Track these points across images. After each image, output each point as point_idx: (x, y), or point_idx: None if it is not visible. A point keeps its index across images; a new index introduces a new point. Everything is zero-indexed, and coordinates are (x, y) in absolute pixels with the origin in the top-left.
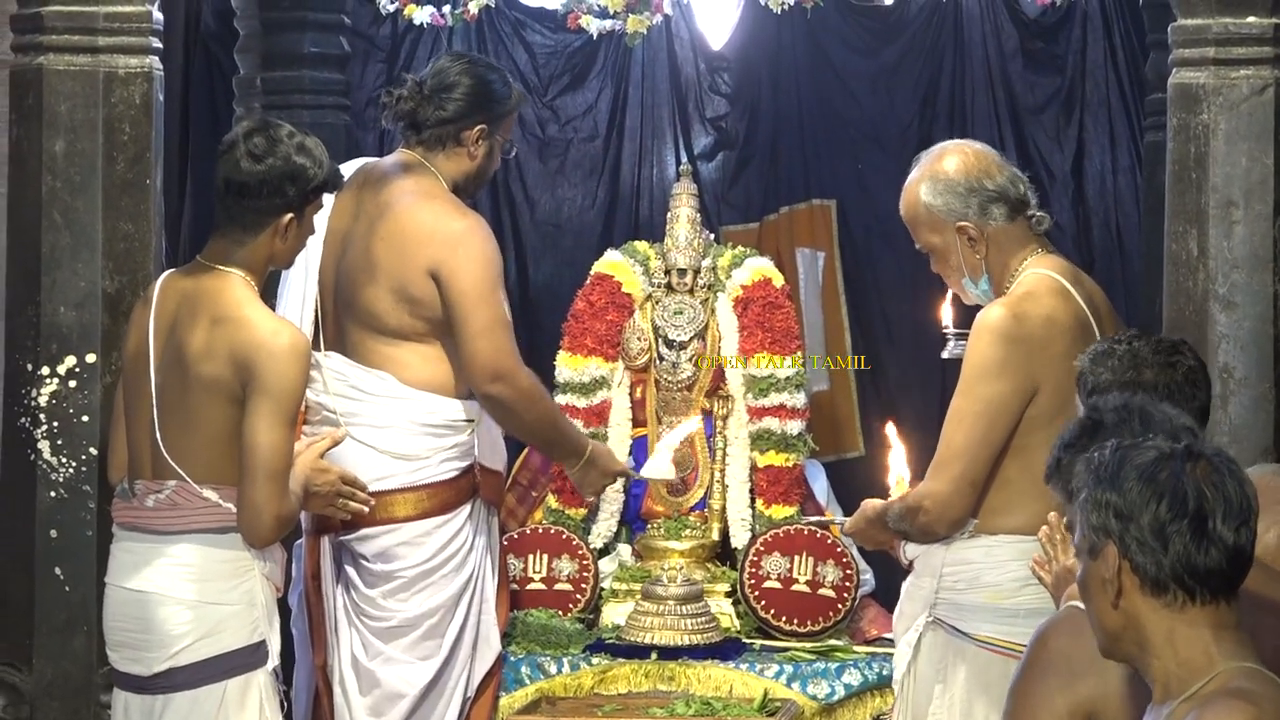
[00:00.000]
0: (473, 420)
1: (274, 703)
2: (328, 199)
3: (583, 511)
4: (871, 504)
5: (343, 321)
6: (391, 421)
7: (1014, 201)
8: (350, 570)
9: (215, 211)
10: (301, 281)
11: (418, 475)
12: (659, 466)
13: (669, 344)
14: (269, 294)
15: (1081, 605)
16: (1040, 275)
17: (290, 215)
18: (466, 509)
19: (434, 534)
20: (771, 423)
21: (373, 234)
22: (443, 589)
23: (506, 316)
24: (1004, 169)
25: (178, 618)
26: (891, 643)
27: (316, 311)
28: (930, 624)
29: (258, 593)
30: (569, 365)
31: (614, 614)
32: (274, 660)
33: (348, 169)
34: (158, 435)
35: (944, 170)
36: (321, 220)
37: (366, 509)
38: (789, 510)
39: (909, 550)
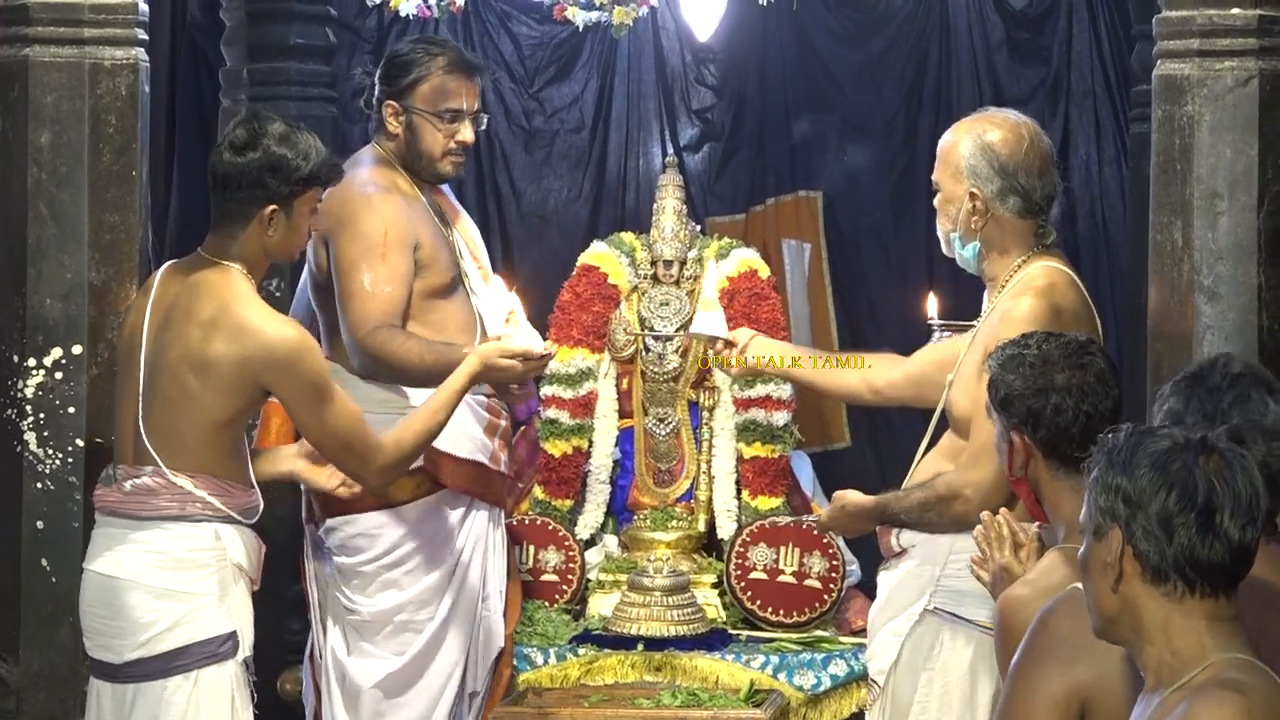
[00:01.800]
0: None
1: (244, 694)
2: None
3: (569, 503)
4: (851, 499)
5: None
6: None
7: (1033, 203)
8: (327, 564)
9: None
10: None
11: None
12: (710, 322)
13: (655, 335)
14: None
15: (1081, 587)
16: (1055, 269)
17: (273, 207)
18: (429, 501)
19: (391, 525)
20: (757, 414)
21: None
22: (408, 586)
23: (364, 286)
24: (1045, 172)
25: (146, 605)
26: None
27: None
28: (924, 613)
29: (229, 583)
30: (556, 357)
31: (600, 605)
32: (245, 651)
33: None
34: (140, 422)
35: (992, 139)
36: None
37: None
38: (775, 501)
39: (904, 538)
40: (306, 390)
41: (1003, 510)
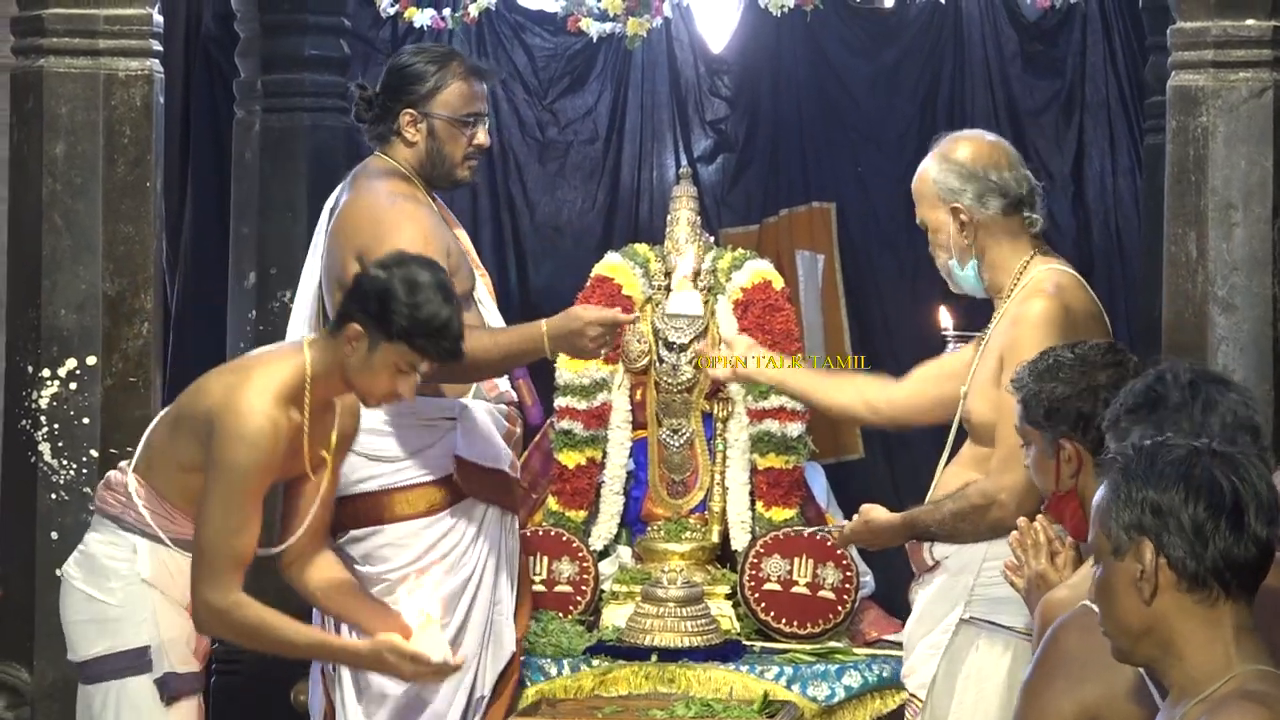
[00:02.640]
0: (453, 419)
1: (156, 714)
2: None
3: (583, 514)
4: (877, 514)
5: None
6: (368, 423)
7: (1013, 198)
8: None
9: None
10: (303, 293)
11: (399, 477)
12: (686, 302)
13: (669, 346)
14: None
15: (1093, 605)
16: (1060, 271)
17: (356, 327)
18: (457, 510)
19: (421, 535)
20: (771, 425)
21: (329, 238)
22: (435, 590)
23: None
24: (1015, 166)
25: (74, 605)
26: (891, 645)
27: (314, 320)
28: (960, 623)
29: (140, 598)
30: (569, 368)
31: (614, 616)
32: (160, 670)
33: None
34: (151, 424)
35: (954, 152)
36: (320, 233)
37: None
38: (789, 513)
39: (938, 551)
40: (216, 466)
41: (1039, 517)
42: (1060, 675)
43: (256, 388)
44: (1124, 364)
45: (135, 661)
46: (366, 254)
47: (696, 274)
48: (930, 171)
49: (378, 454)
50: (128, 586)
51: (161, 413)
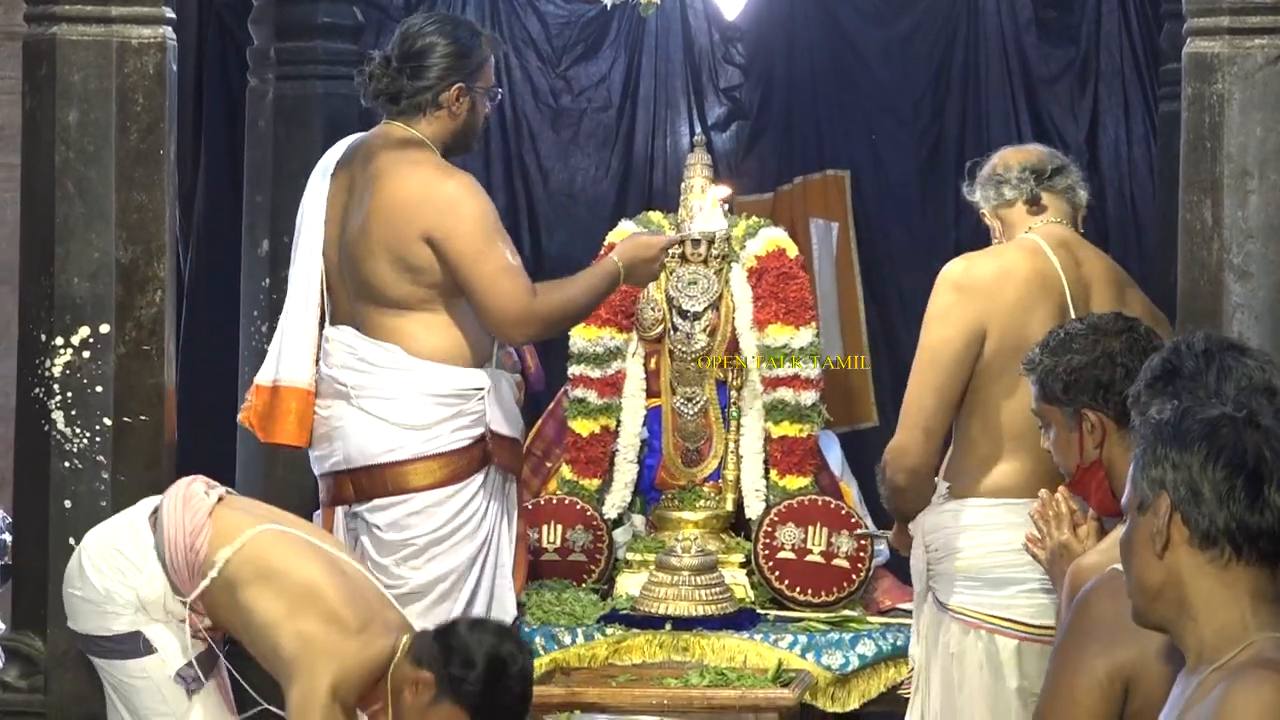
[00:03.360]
0: (482, 388)
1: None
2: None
3: (596, 482)
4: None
5: (350, 296)
6: (401, 393)
7: (1013, 182)
8: (365, 539)
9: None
10: (306, 262)
11: (429, 445)
12: (710, 219)
13: (683, 314)
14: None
15: (1121, 569)
16: (1021, 238)
17: (428, 676)
18: (480, 477)
19: (446, 503)
20: (785, 393)
21: (365, 208)
22: (454, 556)
23: (509, 261)
24: (1023, 155)
25: (72, 577)
26: (905, 614)
27: (322, 290)
28: (929, 598)
29: (117, 591)
30: (583, 336)
31: (628, 584)
32: (172, 665)
33: (339, 149)
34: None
35: (982, 169)
36: (320, 201)
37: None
38: (803, 481)
39: (913, 525)
40: None
41: (1060, 488)
42: (1092, 639)
43: (347, 673)
44: (1135, 329)
45: (131, 645)
46: (435, 234)
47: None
48: (977, 197)
49: (410, 423)
50: (124, 589)
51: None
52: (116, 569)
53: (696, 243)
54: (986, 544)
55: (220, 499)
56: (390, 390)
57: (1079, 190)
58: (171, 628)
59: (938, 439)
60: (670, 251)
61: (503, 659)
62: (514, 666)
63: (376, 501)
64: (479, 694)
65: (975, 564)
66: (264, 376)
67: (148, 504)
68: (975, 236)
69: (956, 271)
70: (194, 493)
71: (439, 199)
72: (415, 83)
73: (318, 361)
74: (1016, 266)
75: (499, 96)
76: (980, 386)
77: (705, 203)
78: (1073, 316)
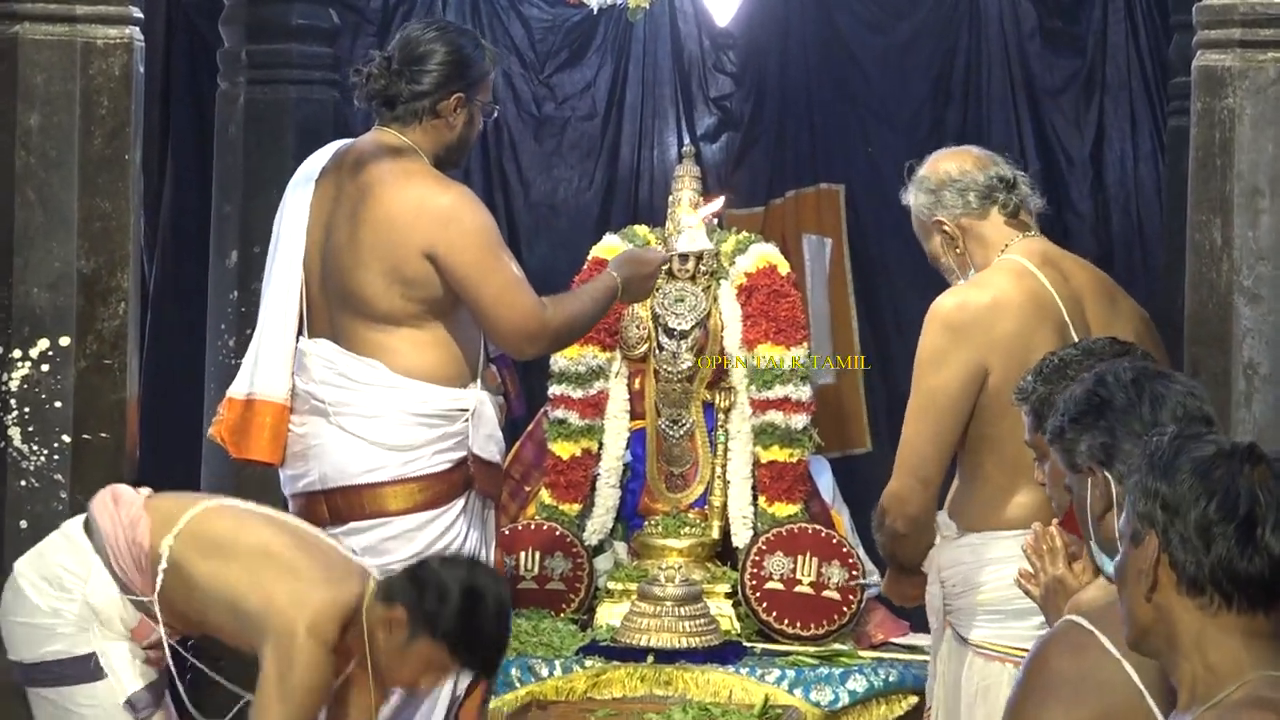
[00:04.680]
0: (467, 410)
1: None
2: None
3: (577, 507)
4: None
5: (331, 308)
6: (382, 411)
7: (982, 189)
8: None
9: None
10: (285, 271)
11: (410, 467)
12: (694, 239)
13: (669, 333)
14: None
15: (1080, 620)
16: (1002, 259)
17: (401, 612)
18: (460, 502)
19: (426, 528)
20: (775, 416)
21: (356, 218)
22: None
23: (516, 274)
24: (980, 161)
25: (16, 604)
26: (898, 648)
27: (301, 300)
28: (948, 633)
29: (90, 619)
30: (564, 354)
31: (609, 615)
32: (125, 690)
33: (324, 154)
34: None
35: (921, 174)
36: (302, 207)
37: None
38: (793, 508)
39: (927, 563)
40: (275, 688)
41: (1054, 523)
42: (1053, 698)
43: (319, 614)
44: (1132, 353)
45: (81, 669)
46: (437, 249)
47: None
48: (909, 202)
49: (391, 443)
50: (72, 603)
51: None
52: (59, 584)
53: (684, 258)
54: (1010, 576)
55: (148, 496)
56: (371, 408)
57: (1035, 197)
58: (127, 647)
59: (936, 486)
60: None
61: (478, 590)
62: (490, 597)
63: (353, 524)
64: (456, 627)
65: (999, 596)
66: (237, 389)
67: (75, 519)
68: None
69: (947, 309)
70: (121, 491)
71: (439, 212)
72: (414, 87)
73: (295, 375)
74: (1009, 295)
75: (495, 113)
76: (988, 421)
77: (692, 220)
78: (1073, 335)
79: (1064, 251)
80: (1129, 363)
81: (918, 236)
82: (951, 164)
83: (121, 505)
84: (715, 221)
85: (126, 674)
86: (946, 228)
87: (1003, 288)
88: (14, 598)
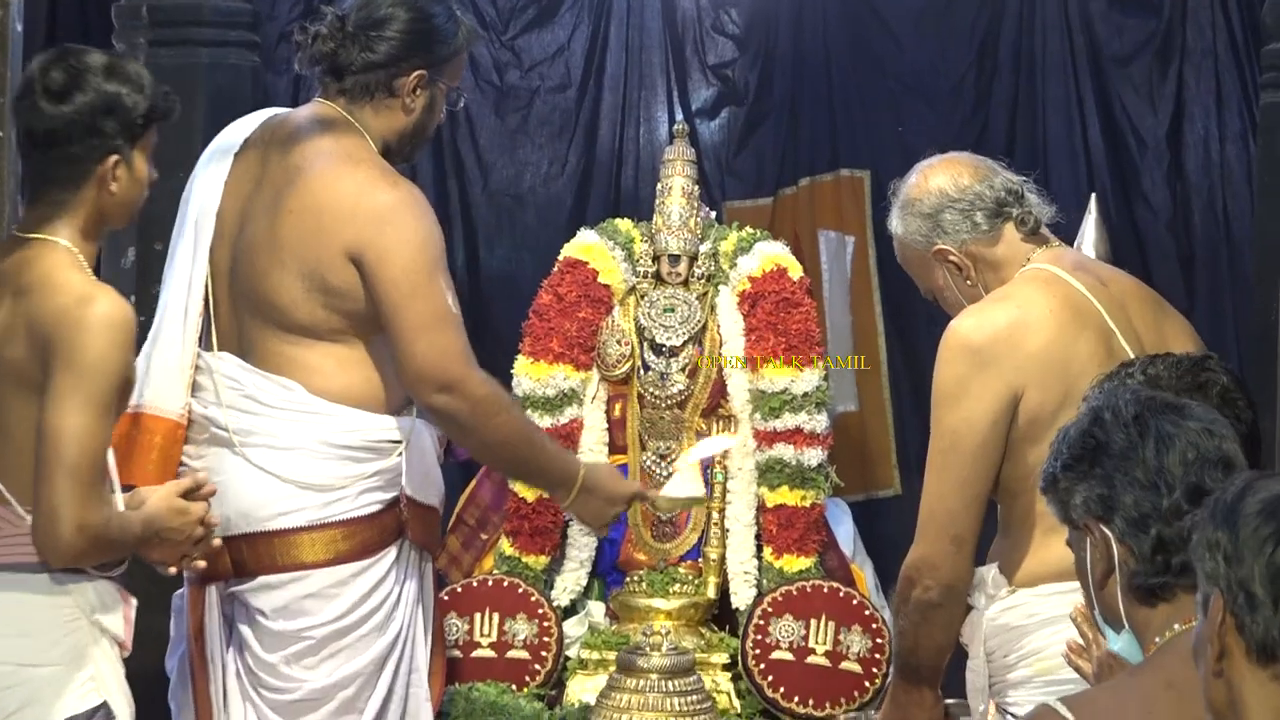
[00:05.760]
0: (400, 441)
1: None
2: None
3: (544, 560)
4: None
5: (240, 315)
6: (298, 442)
7: (991, 205)
8: (245, 629)
9: (24, 172)
10: (189, 264)
11: (331, 510)
12: (687, 484)
13: (657, 349)
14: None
15: (1059, 707)
16: (1025, 271)
17: (115, 157)
18: (392, 553)
19: (351, 584)
20: (785, 451)
21: (279, 207)
22: (361, 653)
23: (452, 309)
24: (979, 170)
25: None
26: None
27: (206, 303)
28: (997, 714)
29: (88, 648)
30: (530, 374)
31: (582, 690)
32: None
33: (248, 123)
34: None
35: (908, 195)
36: (214, 188)
37: (203, 565)
38: (806, 562)
39: (964, 633)
40: (81, 369)
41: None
42: None
43: (72, 277)
44: (1205, 387)
45: None
46: (367, 253)
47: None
48: (897, 231)
49: (309, 481)
50: (73, 636)
51: None
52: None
53: (675, 259)
54: (1070, 636)
55: None
56: (286, 438)
57: (1046, 205)
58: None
59: (971, 544)
60: (642, 271)
61: (107, 61)
62: (87, 56)
63: (263, 579)
64: (147, 101)
65: (1059, 664)
66: None
67: None
68: None
69: (964, 331)
70: None
71: (376, 210)
72: (368, 56)
73: (192, 396)
74: (1035, 305)
75: (462, 101)
76: (1027, 452)
77: (685, 460)
78: (1121, 343)
79: (1098, 260)
80: (1132, 393)
81: (911, 273)
82: (945, 179)
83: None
84: (711, 215)
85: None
86: (953, 258)
87: (1029, 297)
88: None
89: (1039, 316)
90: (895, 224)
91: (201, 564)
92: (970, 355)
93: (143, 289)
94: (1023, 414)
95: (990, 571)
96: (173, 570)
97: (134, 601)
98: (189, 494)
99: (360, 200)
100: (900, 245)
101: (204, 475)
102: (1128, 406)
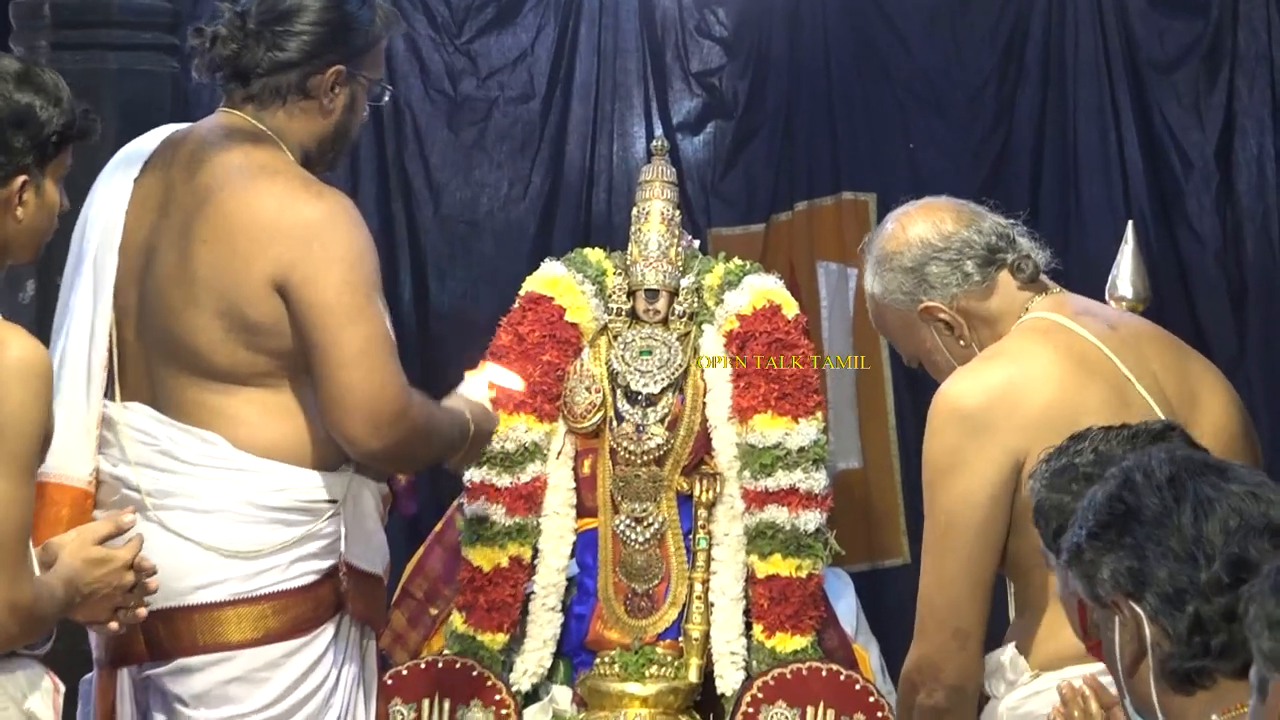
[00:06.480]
0: (336, 501)
1: None
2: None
3: (503, 639)
4: None
5: (151, 361)
6: (221, 503)
7: (982, 253)
8: (161, 719)
9: None
10: (89, 309)
11: (259, 581)
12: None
13: (631, 398)
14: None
15: None
16: (1021, 323)
17: (23, 178)
18: (329, 630)
19: (282, 666)
20: (778, 514)
21: (190, 235)
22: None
23: (387, 332)
24: (963, 215)
25: None
26: None
27: (111, 348)
28: None
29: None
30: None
31: None
32: None
33: (147, 141)
34: None
35: (884, 249)
36: (114, 218)
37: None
38: (802, 641)
39: None
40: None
41: (1085, 676)
42: None
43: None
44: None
45: None
46: (292, 276)
47: None
48: (875, 290)
49: (232, 548)
50: None
51: None
52: None
53: (653, 294)
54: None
55: None
56: (205, 499)
57: (1039, 249)
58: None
59: (978, 638)
60: (615, 308)
61: (19, 69)
62: (10, 62)
63: (181, 661)
64: (54, 119)
65: None
66: None
67: None
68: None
69: (954, 396)
70: None
71: (299, 227)
72: (276, 55)
73: (99, 453)
74: (1033, 358)
75: (387, 96)
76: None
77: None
78: (1139, 391)
79: (1103, 304)
80: (1166, 452)
81: (892, 339)
82: (925, 226)
83: None
84: (694, 244)
85: None
86: (943, 315)
87: (1025, 350)
88: None
89: (1038, 370)
90: (871, 283)
91: (142, 612)
92: (963, 422)
93: (42, 327)
94: (1028, 480)
95: (1008, 654)
96: (113, 626)
97: (62, 687)
98: (108, 539)
99: (281, 217)
100: (877, 307)
101: (125, 513)
102: (1161, 467)
